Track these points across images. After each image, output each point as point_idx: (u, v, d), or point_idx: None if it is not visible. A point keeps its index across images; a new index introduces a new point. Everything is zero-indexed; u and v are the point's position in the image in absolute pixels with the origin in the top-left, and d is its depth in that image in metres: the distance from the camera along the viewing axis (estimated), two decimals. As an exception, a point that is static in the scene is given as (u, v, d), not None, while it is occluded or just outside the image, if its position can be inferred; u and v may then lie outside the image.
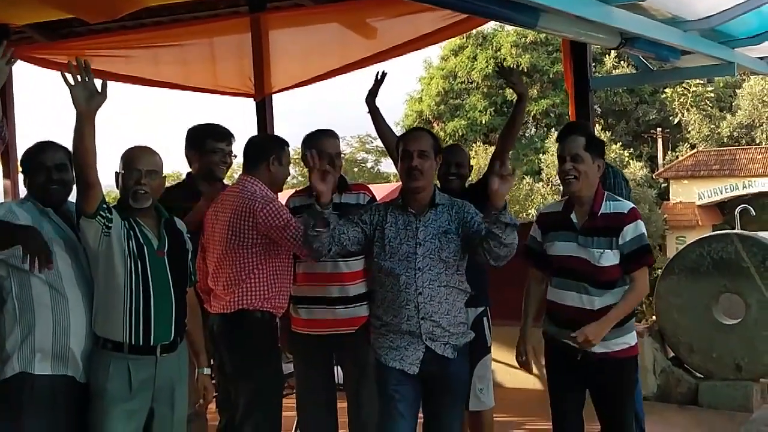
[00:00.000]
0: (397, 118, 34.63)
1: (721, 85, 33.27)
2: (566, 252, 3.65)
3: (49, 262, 3.06)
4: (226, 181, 4.47)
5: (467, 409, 4.35)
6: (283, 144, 4.04)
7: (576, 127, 4.38)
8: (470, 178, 4.64)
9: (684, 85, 31.87)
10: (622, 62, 29.55)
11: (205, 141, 4.28)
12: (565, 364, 3.69)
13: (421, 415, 3.69)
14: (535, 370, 6.35)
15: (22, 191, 3.52)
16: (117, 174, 3.41)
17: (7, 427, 3.20)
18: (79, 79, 3.04)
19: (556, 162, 3.81)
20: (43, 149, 3.40)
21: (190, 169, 4.40)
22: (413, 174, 3.54)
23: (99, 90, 3.07)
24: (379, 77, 4.57)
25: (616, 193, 4.04)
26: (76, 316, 3.26)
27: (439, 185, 4.27)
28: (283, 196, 4.15)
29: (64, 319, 3.23)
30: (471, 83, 32.39)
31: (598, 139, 3.83)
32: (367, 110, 4.57)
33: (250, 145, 4.08)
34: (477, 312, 4.27)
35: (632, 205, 3.70)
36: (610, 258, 3.56)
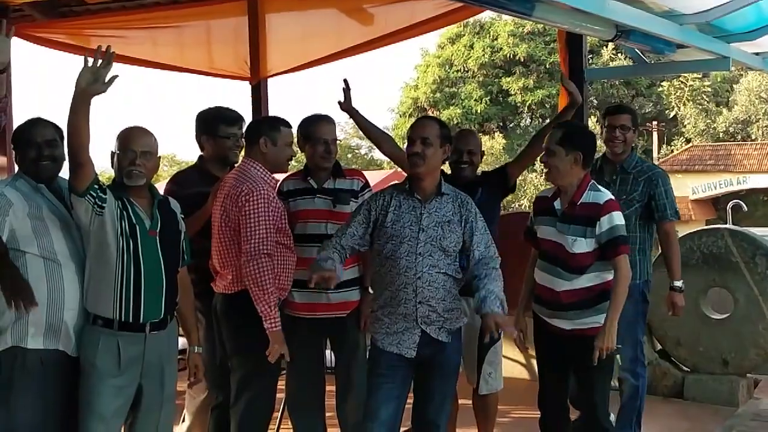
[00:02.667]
0: (392, 105, 34.64)
1: (719, 79, 33.31)
2: (547, 236, 3.86)
3: (33, 304, 3.14)
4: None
5: (477, 393, 4.44)
6: (276, 124, 4.00)
7: (565, 120, 4.46)
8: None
9: (681, 78, 31.90)
10: (619, 54, 29.54)
11: (217, 126, 4.28)
12: (544, 334, 3.95)
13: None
14: (522, 359, 6.46)
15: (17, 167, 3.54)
16: (112, 154, 3.43)
17: None
18: (98, 64, 3.06)
19: None
20: (33, 125, 3.44)
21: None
22: (414, 160, 3.60)
23: (105, 80, 3.08)
24: (343, 87, 4.44)
25: (669, 199, 4.47)
26: (70, 291, 3.30)
27: (450, 173, 4.32)
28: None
29: (59, 293, 3.27)
30: (467, 72, 32.37)
31: (580, 131, 3.96)
32: (348, 117, 4.51)
33: (246, 128, 4.12)
34: None
35: (610, 196, 3.82)
36: (582, 246, 3.73)
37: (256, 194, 3.77)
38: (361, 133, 5.03)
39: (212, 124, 4.31)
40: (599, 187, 3.86)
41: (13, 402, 3.21)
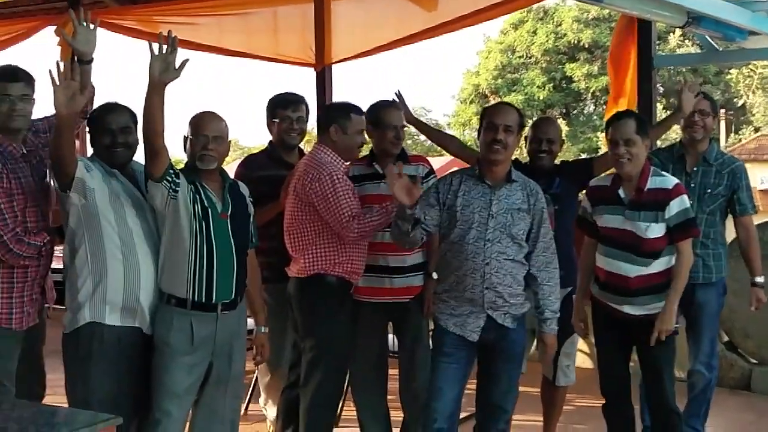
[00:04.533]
0: (453, 92, 34.45)
1: (789, 67, 32.38)
2: (613, 224, 3.85)
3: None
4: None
5: (554, 384, 4.47)
6: (347, 112, 4.00)
7: (626, 110, 4.42)
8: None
9: (750, 66, 31.10)
10: (686, 41, 28.92)
11: (275, 110, 4.42)
12: (608, 321, 3.95)
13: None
14: (585, 348, 6.42)
15: (90, 149, 3.62)
16: (185, 138, 3.52)
17: (76, 373, 3.36)
18: (163, 51, 3.14)
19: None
20: (109, 111, 3.49)
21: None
22: (496, 147, 3.58)
23: (176, 66, 3.16)
24: (397, 98, 4.47)
25: (749, 192, 4.43)
26: (145, 271, 3.39)
27: (528, 161, 4.31)
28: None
29: (133, 273, 3.37)
30: (530, 58, 32.01)
31: (645, 120, 4.01)
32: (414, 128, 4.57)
33: (320, 112, 4.18)
34: (566, 292, 4.24)
35: (676, 180, 3.87)
36: (655, 230, 3.75)
37: (327, 176, 3.82)
38: (420, 119, 5.09)
39: (272, 108, 4.45)
40: (660, 171, 3.90)
41: (90, 375, 3.32)
